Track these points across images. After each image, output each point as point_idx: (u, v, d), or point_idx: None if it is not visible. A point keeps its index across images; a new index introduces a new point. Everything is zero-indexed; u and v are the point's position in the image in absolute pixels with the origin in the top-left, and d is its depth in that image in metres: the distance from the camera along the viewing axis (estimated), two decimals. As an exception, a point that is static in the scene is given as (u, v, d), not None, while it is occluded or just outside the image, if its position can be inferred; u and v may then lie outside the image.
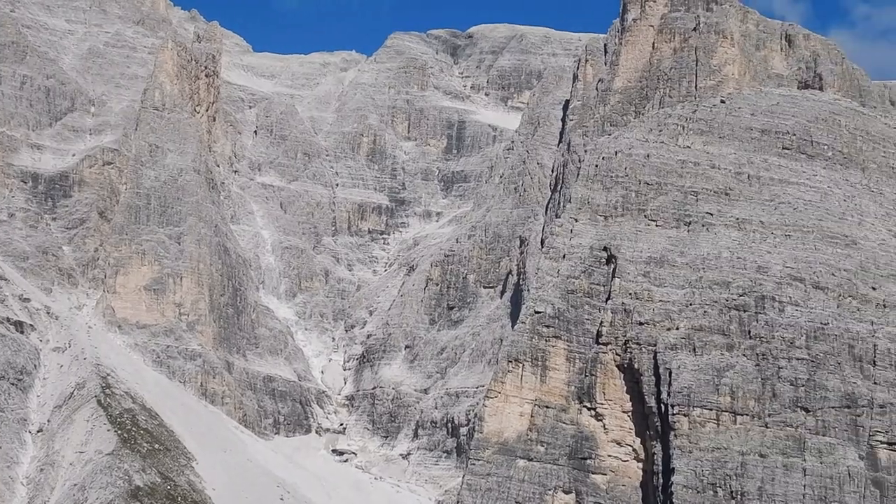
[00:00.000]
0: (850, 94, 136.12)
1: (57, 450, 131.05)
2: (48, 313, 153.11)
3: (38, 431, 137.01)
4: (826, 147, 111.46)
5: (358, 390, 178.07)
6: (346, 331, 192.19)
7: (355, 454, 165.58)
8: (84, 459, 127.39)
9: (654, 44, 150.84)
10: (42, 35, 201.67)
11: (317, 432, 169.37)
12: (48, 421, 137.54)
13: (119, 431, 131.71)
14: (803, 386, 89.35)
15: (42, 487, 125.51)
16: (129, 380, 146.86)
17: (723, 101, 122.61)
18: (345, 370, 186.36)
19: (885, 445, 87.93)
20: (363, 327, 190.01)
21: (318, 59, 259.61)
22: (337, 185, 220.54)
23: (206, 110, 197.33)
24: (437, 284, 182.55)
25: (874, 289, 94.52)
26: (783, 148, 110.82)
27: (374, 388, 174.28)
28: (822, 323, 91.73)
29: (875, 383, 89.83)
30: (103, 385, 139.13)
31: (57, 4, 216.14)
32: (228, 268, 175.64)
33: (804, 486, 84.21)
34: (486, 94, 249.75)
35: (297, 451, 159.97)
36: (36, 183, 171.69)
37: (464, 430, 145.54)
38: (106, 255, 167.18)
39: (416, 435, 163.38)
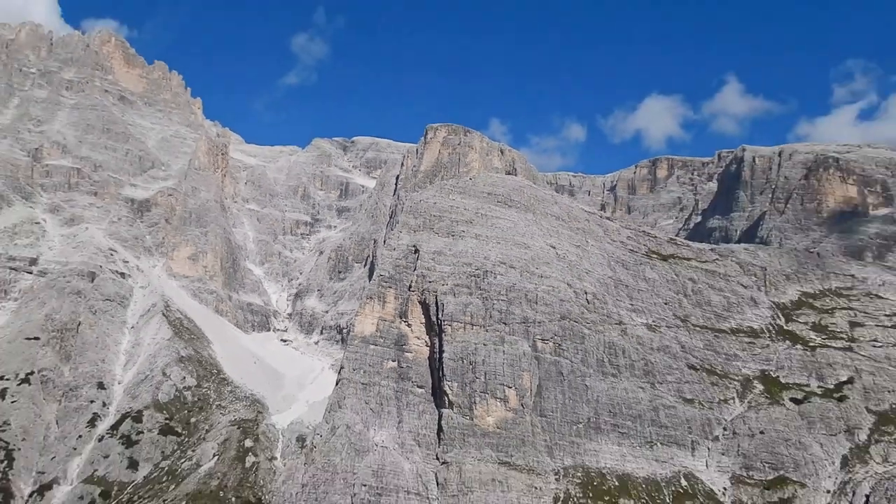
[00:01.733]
0: (528, 177, 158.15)
1: (141, 337, 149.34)
2: (138, 269, 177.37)
3: (131, 328, 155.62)
4: (517, 202, 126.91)
5: (294, 311, 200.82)
6: (289, 281, 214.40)
7: (292, 341, 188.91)
8: (155, 342, 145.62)
9: (439, 150, 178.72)
10: (136, 128, 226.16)
11: (273, 331, 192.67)
12: (137, 322, 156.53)
13: (173, 328, 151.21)
14: (502, 311, 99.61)
15: (133, 356, 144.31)
16: (179, 303, 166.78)
17: (471, 179, 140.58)
18: (287, 301, 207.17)
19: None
20: (297, 280, 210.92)
21: (277, 148, 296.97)
22: (286, 210, 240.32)
23: (221, 171, 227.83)
24: (334, 261, 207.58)
25: (537, 268, 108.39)
26: (497, 202, 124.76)
27: (302, 309, 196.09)
28: (515, 280, 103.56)
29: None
30: (165, 305, 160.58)
31: (146, 112, 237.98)
32: (230, 249, 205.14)
33: (503, 361, 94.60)
34: (360, 170, 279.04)
35: (263, 340, 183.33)
36: (133, 203, 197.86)
37: (345, 331, 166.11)
38: (168, 241, 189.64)
39: (321, 332, 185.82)
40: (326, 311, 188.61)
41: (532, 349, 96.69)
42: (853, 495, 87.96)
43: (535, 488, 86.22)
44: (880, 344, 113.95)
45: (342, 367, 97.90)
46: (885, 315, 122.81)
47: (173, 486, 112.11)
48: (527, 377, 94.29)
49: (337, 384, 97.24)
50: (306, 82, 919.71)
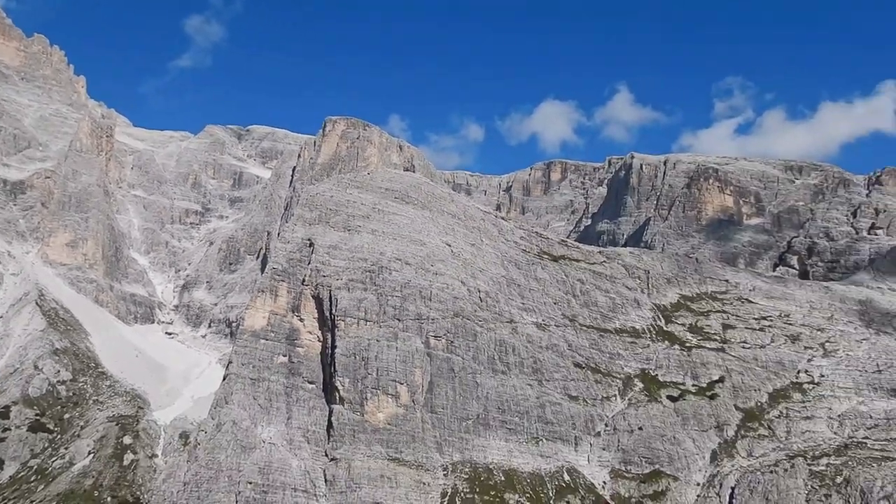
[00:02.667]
0: (426, 175, 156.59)
1: (11, 327, 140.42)
2: (9, 255, 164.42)
3: (0, 317, 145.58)
4: (415, 199, 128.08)
5: (180, 303, 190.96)
6: (176, 272, 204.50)
7: (177, 335, 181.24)
8: (27, 333, 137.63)
9: (338, 143, 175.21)
10: (11, 104, 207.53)
11: (157, 323, 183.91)
12: (6, 312, 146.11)
13: (47, 319, 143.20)
14: (396, 308, 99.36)
15: (1, 348, 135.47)
16: (55, 292, 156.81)
17: (369, 174, 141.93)
18: (173, 292, 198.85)
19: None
20: (185, 271, 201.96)
21: (168, 133, 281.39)
22: (175, 198, 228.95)
23: (106, 154, 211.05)
24: (225, 252, 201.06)
25: (432, 265, 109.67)
26: (395, 198, 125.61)
27: (189, 301, 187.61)
28: (410, 277, 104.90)
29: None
30: (39, 294, 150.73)
31: (23, 88, 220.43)
32: (113, 237, 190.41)
33: (396, 357, 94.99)
34: (255, 160, 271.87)
35: (147, 333, 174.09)
36: (6, 185, 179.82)
37: (235, 324, 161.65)
38: (44, 226, 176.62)
39: (209, 326, 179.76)
40: (215, 304, 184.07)
41: (425, 346, 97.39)
42: (720, 487, 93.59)
43: (424, 484, 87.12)
44: (749, 346, 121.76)
45: (230, 362, 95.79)
46: (754, 318, 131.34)
47: (42, 486, 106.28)
48: (419, 373, 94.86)
49: (224, 379, 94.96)
50: (200, 66, 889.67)
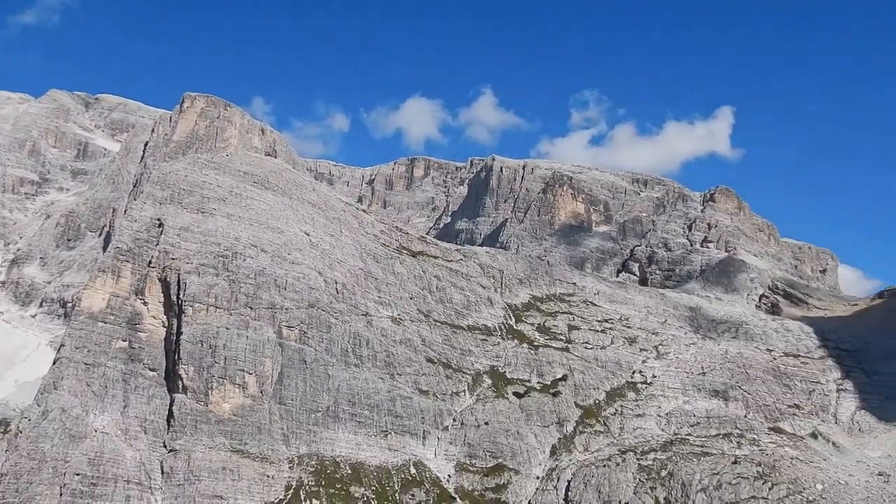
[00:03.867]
0: (288, 161, 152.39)
1: None
2: None
3: None
4: (274, 185, 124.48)
5: (8, 279, 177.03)
6: (5, 245, 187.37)
7: (3, 313, 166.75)
8: None
9: (196, 121, 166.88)
10: None
11: None
12: None
13: None
14: (249, 295, 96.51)
15: None
16: None
17: (228, 155, 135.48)
18: (0, 267, 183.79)
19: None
20: (15, 244, 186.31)
21: (4, 94, 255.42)
22: (8, 165, 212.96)
23: None
24: (63, 227, 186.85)
25: (289, 254, 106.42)
26: (254, 182, 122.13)
27: (19, 278, 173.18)
28: (265, 265, 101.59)
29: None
30: None
31: None
32: None
33: (246, 346, 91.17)
34: (103, 131, 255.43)
35: None
36: None
37: (70, 305, 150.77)
38: None
39: (41, 305, 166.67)
40: (49, 282, 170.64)
41: (277, 336, 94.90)
42: (557, 480, 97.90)
43: (268, 476, 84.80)
44: (591, 346, 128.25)
45: (62, 345, 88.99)
46: (597, 321, 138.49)
47: None
48: (269, 364, 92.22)
49: (54, 363, 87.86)
50: (46, 24, 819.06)
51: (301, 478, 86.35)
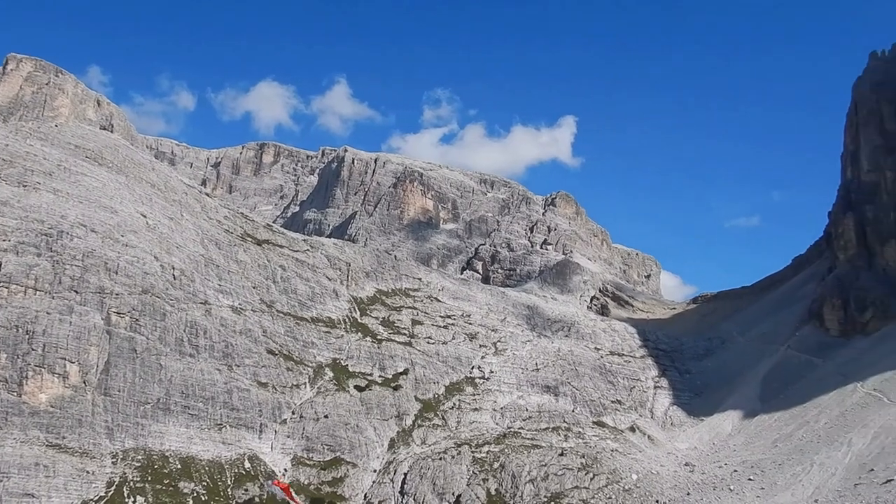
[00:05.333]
0: (126, 137, 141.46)
1: None
2: None
3: None
4: (109, 161, 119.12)
5: None
6: None
7: None
8: None
9: (22, 85, 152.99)
10: None
11: None
12: None
13: None
14: (75, 278, 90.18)
15: None
16: None
17: (57, 126, 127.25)
18: None
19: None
20: None
21: None
22: None
23: None
24: None
25: (122, 236, 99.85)
26: (86, 157, 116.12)
27: None
28: (94, 246, 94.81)
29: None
30: None
31: None
32: None
33: (69, 333, 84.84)
34: None
35: None
36: None
37: None
38: None
39: None
40: None
41: (105, 322, 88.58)
42: (394, 473, 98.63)
43: (87, 472, 78.98)
44: (433, 341, 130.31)
45: None
46: (441, 316, 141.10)
47: None
48: (94, 352, 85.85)
49: None
50: None
51: (125, 473, 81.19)
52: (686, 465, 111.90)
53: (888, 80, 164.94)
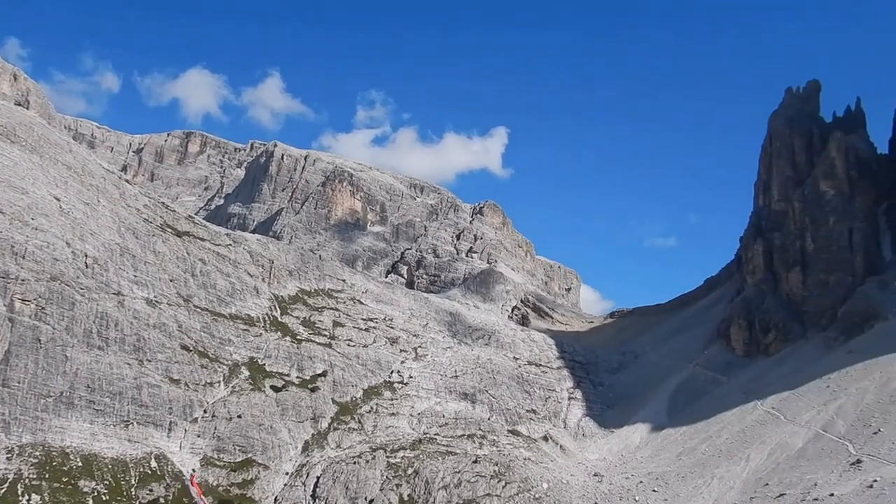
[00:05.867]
0: (43, 115, 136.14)
1: None
2: None
3: None
4: (23, 139, 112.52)
5: None
6: None
7: None
8: None
9: None
10: None
11: None
12: None
13: None
14: None
15: None
16: None
17: None
18: None
19: None
20: None
21: None
22: None
23: None
24: None
25: (33, 219, 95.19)
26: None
27: None
28: (2, 229, 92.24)
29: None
30: None
31: None
32: None
33: None
34: None
35: None
36: None
37: None
38: None
39: None
40: None
41: (8, 309, 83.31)
42: (307, 476, 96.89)
43: (-22, 467, 74.54)
44: (353, 344, 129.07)
45: None
46: (363, 319, 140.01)
47: None
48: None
49: None
50: None
51: (20, 470, 76.73)
52: (595, 475, 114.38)
53: (801, 115, 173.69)
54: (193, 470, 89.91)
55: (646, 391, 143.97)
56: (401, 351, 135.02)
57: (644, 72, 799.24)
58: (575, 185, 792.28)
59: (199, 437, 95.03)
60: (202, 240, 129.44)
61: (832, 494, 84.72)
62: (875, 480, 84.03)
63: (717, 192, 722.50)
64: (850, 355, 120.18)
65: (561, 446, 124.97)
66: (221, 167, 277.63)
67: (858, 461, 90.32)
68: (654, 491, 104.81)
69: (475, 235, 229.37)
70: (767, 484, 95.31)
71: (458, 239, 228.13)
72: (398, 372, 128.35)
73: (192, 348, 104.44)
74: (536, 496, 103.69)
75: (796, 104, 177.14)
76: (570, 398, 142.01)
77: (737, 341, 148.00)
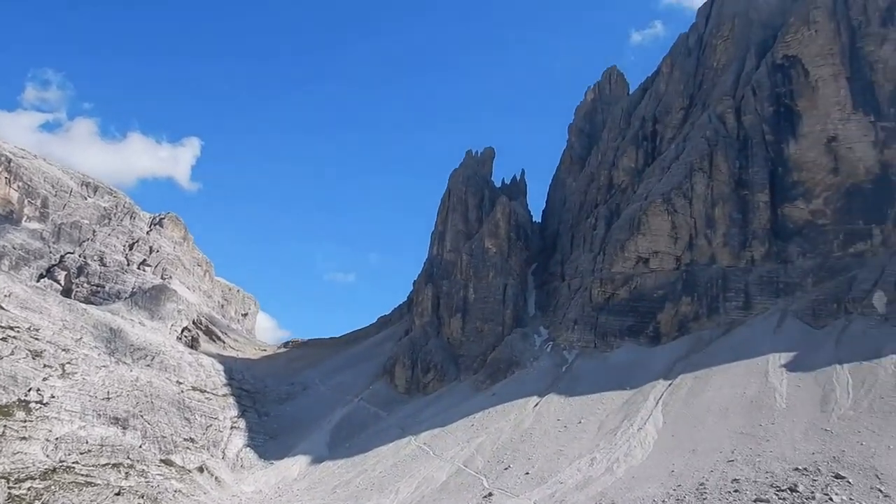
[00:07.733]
0: None
1: None
2: None
3: None
4: None
5: None
6: None
7: None
8: None
9: None
10: None
11: None
12: None
13: None
14: None
15: None
16: None
17: None
18: None
19: None
20: None
21: None
22: None
23: None
24: None
25: None
26: None
27: None
28: None
29: None
30: None
31: None
32: None
33: None
34: None
35: None
36: None
37: None
38: None
39: None
40: None
41: None
42: None
43: None
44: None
45: None
46: (1, 326, 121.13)
47: None
48: None
49: None
50: None
51: None
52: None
53: (476, 176, 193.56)
54: None
55: (311, 423, 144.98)
56: (45, 366, 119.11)
57: (328, 117, 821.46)
58: (265, 209, 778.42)
59: None
60: None
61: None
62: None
63: (397, 236, 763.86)
64: (493, 397, 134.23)
65: (216, 478, 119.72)
66: None
67: (490, 494, 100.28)
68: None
69: (151, 247, 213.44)
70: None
71: (130, 249, 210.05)
72: (38, 390, 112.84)
73: None
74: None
75: (473, 165, 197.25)
76: (232, 427, 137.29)
77: (400, 379, 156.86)
